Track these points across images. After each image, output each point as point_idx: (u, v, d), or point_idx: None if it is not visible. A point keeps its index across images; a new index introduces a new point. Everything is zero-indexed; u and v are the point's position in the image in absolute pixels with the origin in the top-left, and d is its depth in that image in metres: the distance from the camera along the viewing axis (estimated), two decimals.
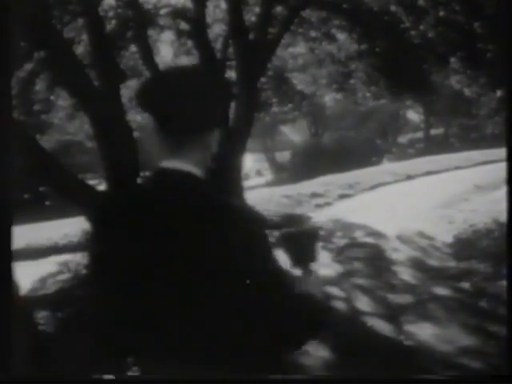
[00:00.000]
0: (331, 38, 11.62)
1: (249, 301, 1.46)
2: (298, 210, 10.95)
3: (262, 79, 11.48)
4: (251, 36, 10.44)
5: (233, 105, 10.81)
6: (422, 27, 9.97)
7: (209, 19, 10.72)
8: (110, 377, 1.74)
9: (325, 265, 6.81)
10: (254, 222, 1.52)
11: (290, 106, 14.99)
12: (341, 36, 11.63)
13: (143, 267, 1.49)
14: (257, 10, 10.68)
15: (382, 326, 4.50)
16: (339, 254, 7.76)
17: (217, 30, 11.37)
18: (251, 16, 10.84)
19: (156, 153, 1.54)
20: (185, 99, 1.46)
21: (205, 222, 1.45)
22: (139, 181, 1.69)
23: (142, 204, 1.51)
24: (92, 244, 1.78)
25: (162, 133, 1.50)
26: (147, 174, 1.69)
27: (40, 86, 9.05)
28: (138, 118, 10.54)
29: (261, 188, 18.14)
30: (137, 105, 1.58)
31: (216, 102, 1.53)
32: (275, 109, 14.70)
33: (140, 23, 9.10)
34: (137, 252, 1.49)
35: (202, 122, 1.51)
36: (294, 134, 32.55)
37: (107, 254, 1.57)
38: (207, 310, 1.47)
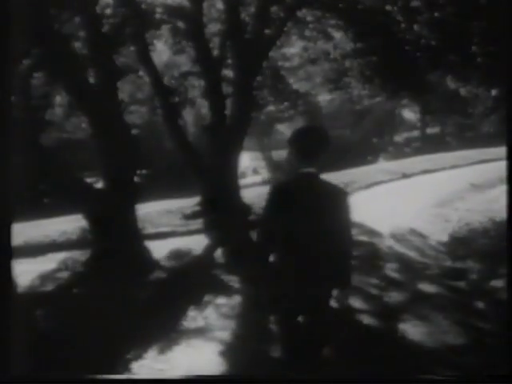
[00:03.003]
0: (327, 37, 11.63)
1: None
2: None
3: (258, 78, 11.48)
4: (247, 35, 10.45)
5: (229, 104, 10.82)
6: (416, 27, 9.99)
7: (204, 18, 10.71)
8: (110, 377, 1.76)
9: None
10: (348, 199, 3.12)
11: (286, 104, 14.99)
12: (337, 35, 11.64)
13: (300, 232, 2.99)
14: (253, 9, 10.69)
15: (377, 325, 4.51)
16: None
17: (212, 30, 11.35)
18: (247, 15, 10.85)
19: (295, 165, 3.10)
20: (317, 143, 3.12)
21: (331, 200, 3.04)
22: (293, 177, 3.13)
23: (301, 189, 3.04)
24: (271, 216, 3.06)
25: (300, 157, 3.10)
26: (293, 174, 3.12)
27: (37, 83, 9.02)
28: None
29: (257, 186, 18.12)
30: (290, 145, 3.16)
31: (325, 144, 3.14)
32: (271, 107, 14.71)
33: (137, 21, 9.09)
34: (300, 221, 2.98)
35: (321, 154, 3.11)
36: (291, 132, 32.45)
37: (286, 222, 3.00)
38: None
